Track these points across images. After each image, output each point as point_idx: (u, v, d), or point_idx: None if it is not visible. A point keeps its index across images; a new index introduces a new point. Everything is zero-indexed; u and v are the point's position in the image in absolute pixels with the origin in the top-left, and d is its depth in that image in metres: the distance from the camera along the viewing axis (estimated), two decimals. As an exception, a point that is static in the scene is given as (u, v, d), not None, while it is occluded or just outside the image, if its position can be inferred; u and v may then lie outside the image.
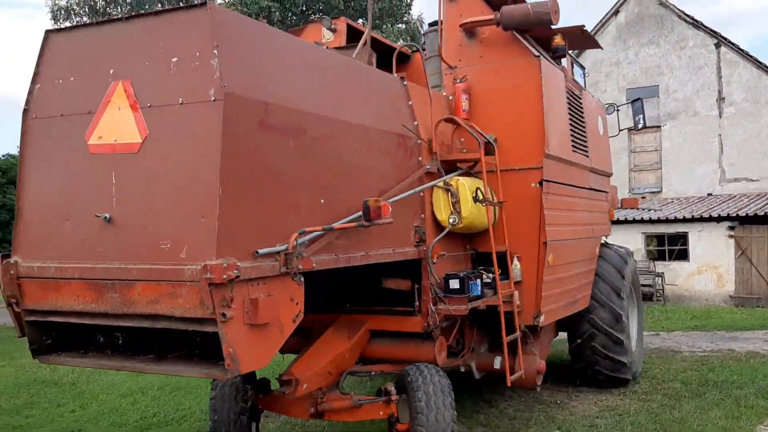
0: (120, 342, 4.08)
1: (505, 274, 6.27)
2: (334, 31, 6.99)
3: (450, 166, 6.13)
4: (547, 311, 6.59)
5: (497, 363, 6.50)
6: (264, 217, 3.71)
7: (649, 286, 18.52)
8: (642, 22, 21.70)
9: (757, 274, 17.63)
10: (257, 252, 3.59)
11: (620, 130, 10.67)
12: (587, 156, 7.86)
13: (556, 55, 8.24)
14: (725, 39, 20.56)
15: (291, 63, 4.15)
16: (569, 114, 7.29)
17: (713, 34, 20.69)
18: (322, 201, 4.26)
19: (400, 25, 27.40)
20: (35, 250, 4.04)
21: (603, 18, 22.29)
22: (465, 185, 5.84)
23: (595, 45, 9.46)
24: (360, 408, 5.38)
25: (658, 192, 21.39)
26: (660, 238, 19.43)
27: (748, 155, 20.11)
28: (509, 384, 6.05)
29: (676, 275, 18.82)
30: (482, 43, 6.83)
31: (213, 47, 3.43)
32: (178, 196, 3.51)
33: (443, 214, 5.81)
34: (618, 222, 19.14)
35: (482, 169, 5.95)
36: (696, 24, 20.93)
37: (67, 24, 31.95)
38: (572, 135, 7.32)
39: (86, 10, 31.53)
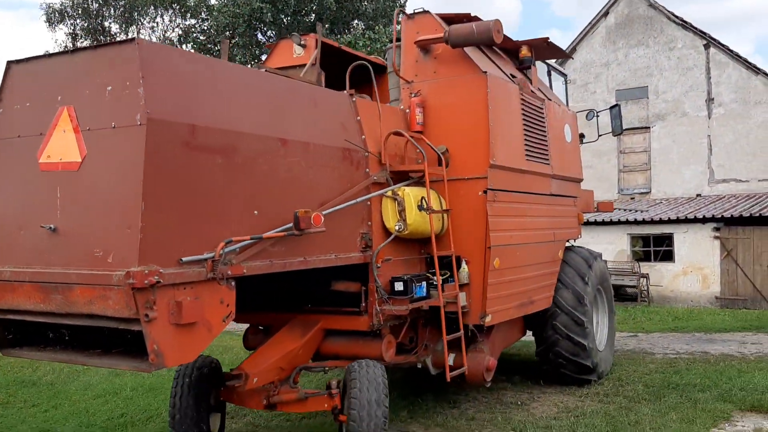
0: (66, 338, 4.56)
1: (453, 276, 6.70)
2: (304, 46, 7.41)
3: (403, 177, 6.56)
4: (494, 312, 6.98)
5: (450, 360, 6.93)
6: (190, 228, 4.17)
7: (634, 287, 18.70)
8: (631, 23, 21.90)
9: (743, 276, 17.78)
10: (181, 260, 4.05)
11: (599, 135, 11.04)
12: (547, 164, 8.23)
13: (523, 67, 8.69)
14: (714, 40, 20.70)
15: (221, 87, 4.59)
16: (524, 125, 7.65)
17: (702, 35, 20.84)
18: (255, 212, 4.70)
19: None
20: None
21: (593, 19, 22.52)
22: (410, 194, 6.26)
23: (564, 55, 9.83)
24: (307, 400, 5.87)
25: (647, 193, 21.57)
26: (645, 239, 19.60)
27: (736, 156, 20.25)
28: (448, 379, 6.49)
29: (661, 276, 19.00)
30: (436, 60, 7.24)
31: (140, 77, 3.90)
32: (110, 210, 3.97)
33: (391, 222, 6.24)
34: (604, 223, 19.44)
35: (426, 179, 6.36)
36: (685, 25, 21.08)
37: (61, 27, 32.42)
38: (528, 144, 7.69)
39: (80, 12, 31.92)
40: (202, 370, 6.12)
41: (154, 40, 33.36)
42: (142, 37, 32.36)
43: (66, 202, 4.16)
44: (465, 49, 7.15)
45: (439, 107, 7.07)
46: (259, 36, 27.85)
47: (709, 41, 20.70)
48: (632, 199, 21.61)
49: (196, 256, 4.15)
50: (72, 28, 33.01)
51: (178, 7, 32.40)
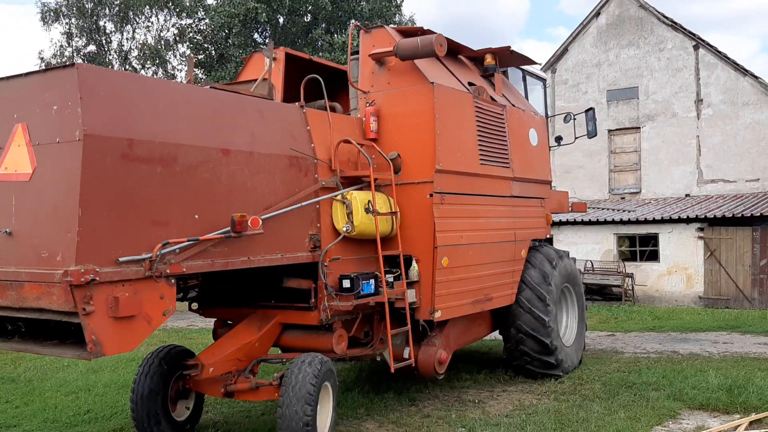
0: (23, 330, 5.12)
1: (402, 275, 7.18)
2: (274, 59, 7.93)
3: (355, 181, 7.05)
4: (444, 308, 7.44)
5: (406, 353, 7.42)
6: (129, 231, 4.71)
7: (618, 286, 18.94)
8: (622, 24, 22.18)
9: (726, 276, 17.98)
10: (119, 260, 4.58)
11: (576, 138, 11.47)
12: (507, 167, 8.68)
13: (487, 74, 9.16)
14: (703, 41, 20.93)
15: (159, 103, 5.12)
16: (479, 131, 8.10)
17: (691, 36, 21.07)
18: (196, 216, 5.23)
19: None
20: None
21: (584, 20, 22.84)
22: (357, 198, 6.75)
23: (528, 61, 10.24)
24: (258, 390, 6.41)
25: (637, 193, 21.82)
26: (632, 239, 19.87)
27: (725, 157, 20.47)
28: (392, 370, 6.99)
29: (646, 276, 19.25)
30: (390, 71, 7.74)
31: (78, 98, 4.45)
32: (55, 215, 4.53)
33: (340, 223, 6.74)
34: (591, 223, 19.76)
35: (371, 183, 6.85)
36: (675, 26, 21.31)
37: (56, 25, 32.92)
38: (483, 149, 8.14)
39: (74, 11, 32.19)
40: (165, 360, 6.68)
41: (149, 39, 33.82)
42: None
43: (19, 209, 4.71)
44: (422, 60, 7.62)
45: (392, 116, 7.56)
46: (255, 36, 28.22)
47: (699, 42, 20.93)
48: (622, 198, 21.87)
49: (133, 257, 4.69)
50: (67, 27, 33.43)
51: (173, 6, 32.70)
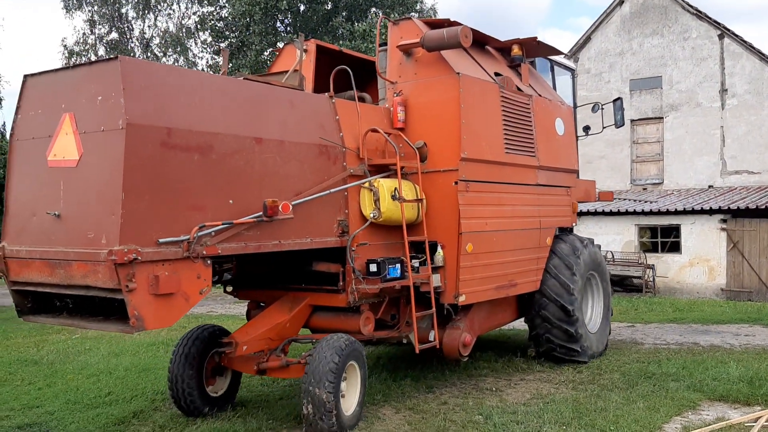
0: (70, 306, 5.44)
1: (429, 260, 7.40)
2: (305, 51, 8.16)
3: (383, 169, 7.26)
4: (468, 292, 7.65)
5: (431, 335, 7.64)
6: (168, 215, 4.99)
7: (639, 278, 18.85)
8: (646, 12, 21.88)
9: (749, 268, 17.82)
10: (159, 241, 4.86)
11: (604, 128, 11.57)
12: (532, 156, 8.82)
13: (513, 64, 9.30)
14: (729, 30, 20.61)
15: (197, 94, 5.38)
16: (504, 120, 8.26)
17: (717, 25, 20.77)
18: (230, 201, 5.49)
19: (413, 14, 27.33)
20: (15, 237, 5.45)
21: (608, 8, 22.55)
22: (384, 185, 6.97)
23: (555, 52, 10.34)
24: (288, 368, 6.69)
25: (660, 183, 21.62)
26: (653, 230, 19.73)
27: (749, 147, 20.22)
28: (417, 351, 7.20)
29: (668, 268, 19.13)
30: (417, 62, 7.92)
31: (121, 89, 4.73)
32: (100, 199, 4.83)
33: (367, 210, 6.96)
34: (612, 213, 19.70)
35: (398, 171, 7.05)
36: (700, 15, 21.02)
37: (79, 13, 33.30)
38: (508, 138, 8.30)
39: None
40: (201, 338, 7.01)
41: (171, 27, 34.09)
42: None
43: (67, 193, 5.03)
44: (448, 51, 7.79)
45: (419, 106, 7.74)
46: (277, 24, 28.29)
47: (724, 31, 20.64)
48: (644, 189, 21.73)
49: (172, 238, 4.97)
50: (90, 14, 33.75)
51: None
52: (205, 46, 33.03)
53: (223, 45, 28.14)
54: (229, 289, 7.67)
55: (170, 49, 33.99)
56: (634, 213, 19.42)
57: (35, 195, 5.33)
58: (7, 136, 24.22)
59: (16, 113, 5.57)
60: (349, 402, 6.43)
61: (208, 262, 5.27)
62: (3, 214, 5.65)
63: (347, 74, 7.14)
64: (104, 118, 4.82)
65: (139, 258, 4.70)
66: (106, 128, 4.80)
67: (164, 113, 5.02)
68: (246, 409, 7.12)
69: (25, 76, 5.54)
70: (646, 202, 19.76)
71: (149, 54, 33.95)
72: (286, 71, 7.73)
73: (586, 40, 22.80)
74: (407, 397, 7.65)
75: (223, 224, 5.34)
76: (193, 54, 34.66)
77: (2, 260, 5.49)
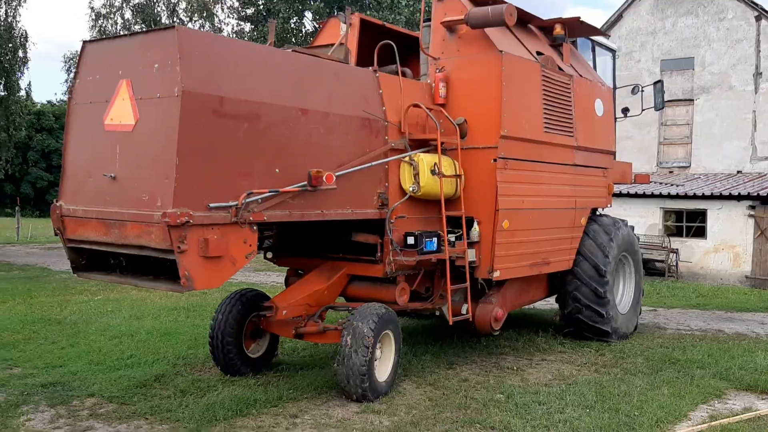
0: (123, 264, 5.73)
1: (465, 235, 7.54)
2: (349, 25, 8.30)
3: (423, 144, 7.39)
4: (502, 268, 7.78)
5: (464, 309, 7.81)
6: (218, 181, 5.22)
7: (662, 261, 18.59)
8: (681, -9, 21.24)
9: (775, 256, 17.41)
10: (209, 206, 5.09)
11: (643, 110, 11.51)
12: (571, 136, 8.87)
13: (555, 44, 9.32)
14: (766, 12, 19.91)
15: (247, 65, 5.57)
16: (545, 99, 8.31)
17: (754, 6, 20.07)
18: (277, 170, 5.69)
19: None
20: (72, 197, 5.74)
21: (642, -14, 21.93)
22: (424, 160, 7.11)
23: (596, 32, 10.32)
24: (325, 333, 6.95)
25: (687, 167, 21.14)
26: (679, 214, 19.37)
27: (782, 133, 19.63)
28: (450, 322, 7.40)
29: (692, 253, 18.76)
30: (460, 39, 8.00)
31: (177, 58, 4.92)
32: (154, 163, 5.07)
33: (407, 184, 7.12)
34: (637, 196, 19.31)
35: (438, 146, 7.18)
36: (737, -5, 20.32)
37: None
38: (547, 118, 8.35)
39: None
40: (242, 301, 7.29)
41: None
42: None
43: (123, 156, 5.28)
44: (492, 29, 7.84)
45: (461, 82, 7.83)
46: None
47: (761, 13, 19.93)
48: (671, 172, 21.28)
49: (222, 203, 5.19)
50: None
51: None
52: (232, 12, 33.05)
53: (249, 11, 28.04)
54: (269, 255, 7.92)
55: (196, 15, 34.07)
56: (660, 196, 19.02)
57: (92, 157, 5.60)
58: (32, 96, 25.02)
59: (75, 77, 5.83)
60: (383, 369, 6.66)
61: (255, 228, 5.50)
62: (60, 174, 5.95)
63: (390, 48, 7.26)
64: (160, 85, 5.04)
65: (191, 221, 4.93)
66: (162, 95, 5.02)
67: (217, 82, 5.22)
68: (267, 377, 7.28)
69: (84, 42, 5.79)
70: (672, 185, 19.34)
71: (175, 19, 34.06)
72: (331, 44, 7.88)
73: (617, 18, 22.23)
74: (428, 373, 7.68)
75: (269, 192, 5.56)
76: (219, 20, 34.70)
77: (59, 218, 5.79)
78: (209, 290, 12.26)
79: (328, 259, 7.50)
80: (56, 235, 5.91)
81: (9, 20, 23.71)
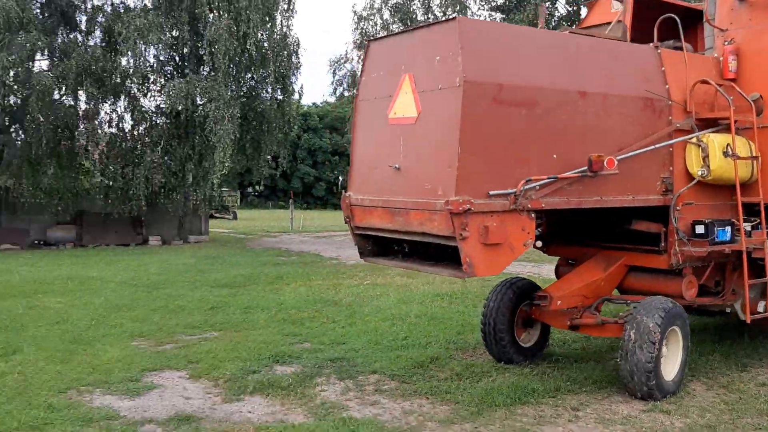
0: (406, 250, 5.97)
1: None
2: (621, 2, 7.86)
3: (711, 124, 6.74)
4: None
5: (760, 306, 7.03)
6: (497, 168, 5.21)
7: None
8: None
9: None
10: (489, 193, 5.09)
11: None
12: None
13: None
14: None
15: (524, 50, 5.48)
16: None
17: None
18: (554, 156, 5.53)
19: None
20: (359, 188, 6.12)
21: None
22: (714, 141, 6.46)
23: None
24: (603, 326, 6.65)
25: None
26: None
27: None
28: (748, 321, 6.68)
29: None
30: (752, 7, 7.15)
31: (459, 48, 4.98)
32: (437, 153, 5.20)
33: (694, 167, 6.53)
34: None
35: (731, 126, 6.47)
36: None
37: None
38: None
39: None
40: (513, 289, 7.25)
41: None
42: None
43: (406, 148, 5.50)
44: None
45: (754, 54, 6.99)
46: None
47: None
48: None
49: (501, 191, 5.18)
50: None
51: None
52: (483, 3, 32.90)
53: (500, 1, 27.65)
54: (539, 244, 7.74)
55: (449, 9, 34.35)
56: None
57: (377, 150, 5.92)
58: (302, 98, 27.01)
59: (361, 75, 6.22)
60: (669, 368, 6.20)
61: (532, 215, 5.41)
62: (348, 168, 6.38)
63: (671, 22, 6.69)
64: (442, 76, 5.14)
65: (472, 209, 4.98)
66: (444, 86, 5.12)
67: (496, 70, 5.22)
68: (541, 367, 7.17)
69: (369, 41, 6.15)
70: None
71: (430, 15, 34.65)
72: (601, 24, 7.49)
73: None
74: (718, 374, 7.09)
75: (548, 178, 5.42)
76: (471, 12, 34.57)
77: (348, 207, 6.22)
78: (471, 279, 12.49)
79: (604, 249, 7.16)
80: (346, 223, 6.34)
81: (284, 30, 25.92)
